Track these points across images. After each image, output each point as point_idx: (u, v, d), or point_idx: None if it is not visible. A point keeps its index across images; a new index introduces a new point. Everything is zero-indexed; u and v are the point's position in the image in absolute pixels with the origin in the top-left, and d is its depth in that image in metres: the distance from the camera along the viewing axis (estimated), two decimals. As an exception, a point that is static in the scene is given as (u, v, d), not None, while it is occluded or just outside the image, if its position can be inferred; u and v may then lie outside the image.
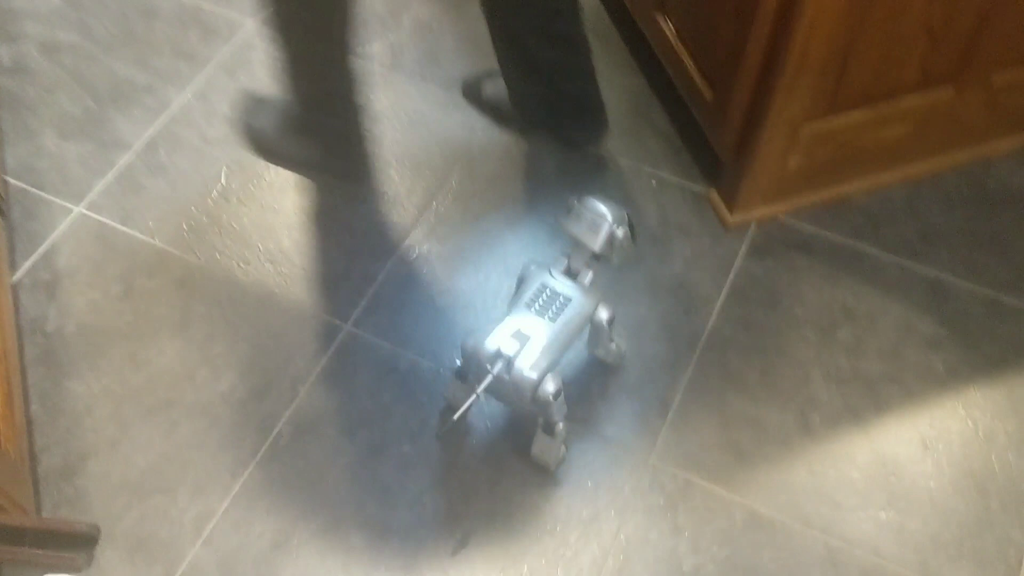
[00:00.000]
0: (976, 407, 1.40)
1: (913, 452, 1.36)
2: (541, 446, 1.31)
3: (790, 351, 1.45)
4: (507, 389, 1.22)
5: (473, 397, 1.19)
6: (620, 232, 1.28)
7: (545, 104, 1.55)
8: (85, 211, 1.59)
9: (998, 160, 1.65)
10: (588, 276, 1.29)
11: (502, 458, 1.35)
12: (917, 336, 1.47)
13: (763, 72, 1.36)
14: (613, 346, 1.40)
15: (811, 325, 1.48)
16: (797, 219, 1.59)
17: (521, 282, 1.31)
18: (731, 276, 1.53)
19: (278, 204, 1.61)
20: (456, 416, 1.17)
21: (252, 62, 1.79)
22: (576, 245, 1.29)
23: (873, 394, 1.41)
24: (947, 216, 1.59)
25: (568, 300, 1.26)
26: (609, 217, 1.27)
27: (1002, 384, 1.42)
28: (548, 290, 1.27)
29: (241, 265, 1.53)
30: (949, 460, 1.35)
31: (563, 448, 1.33)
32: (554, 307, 1.25)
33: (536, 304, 1.26)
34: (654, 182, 1.64)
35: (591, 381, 1.42)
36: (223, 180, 1.63)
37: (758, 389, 1.42)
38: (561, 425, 1.28)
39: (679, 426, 1.38)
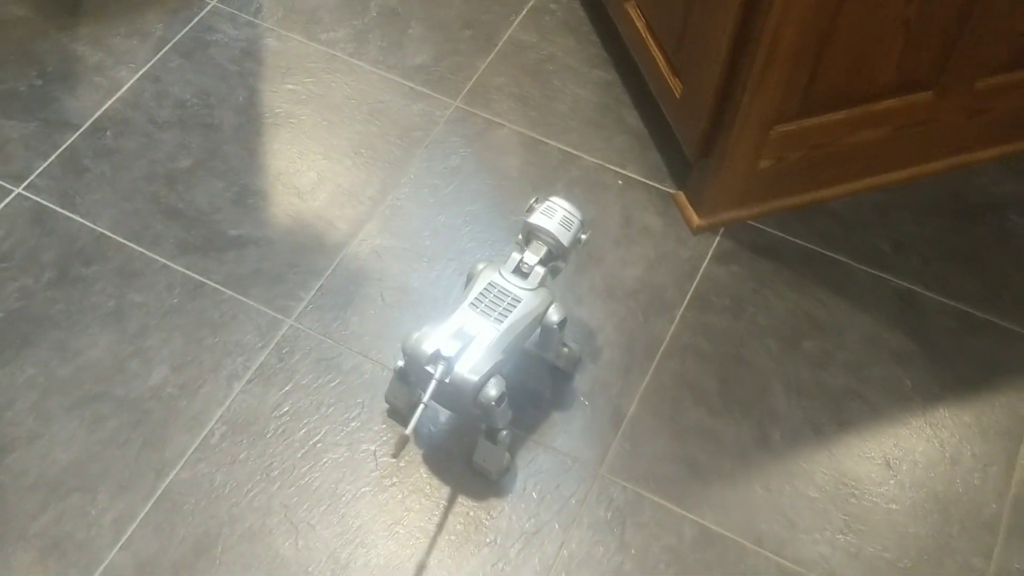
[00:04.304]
0: (943, 427, 1.33)
1: (875, 472, 1.29)
2: (483, 453, 1.24)
3: (752, 361, 1.39)
4: (447, 392, 1.15)
5: (420, 408, 1.11)
6: (584, 236, 1.25)
7: None
8: (24, 192, 1.52)
9: (978, 170, 1.59)
10: (540, 276, 1.22)
11: (443, 465, 1.28)
12: (885, 350, 1.40)
13: (731, 67, 1.30)
14: (565, 350, 1.33)
15: (775, 335, 1.41)
16: (766, 224, 1.53)
17: (469, 280, 1.24)
18: (695, 281, 1.47)
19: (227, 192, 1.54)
20: (408, 431, 1.10)
21: (210, 44, 1.72)
22: (533, 242, 1.23)
23: (836, 409, 1.34)
24: (922, 226, 1.53)
25: (517, 300, 1.20)
26: (579, 215, 1.24)
27: (970, 403, 1.35)
28: (496, 289, 1.20)
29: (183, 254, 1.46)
30: (912, 482, 1.29)
31: (507, 456, 1.26)
32: (501, 307, 1.19)
33: (482, 304, 1.19)
34: (620, 181, 1.57)
35: (542, 386, 1.35)
36: (171, 164, 1.56)
37: (716, 400, 1.35)
38: (504, 432, 1.21)
39: (632, 436, 1.31)
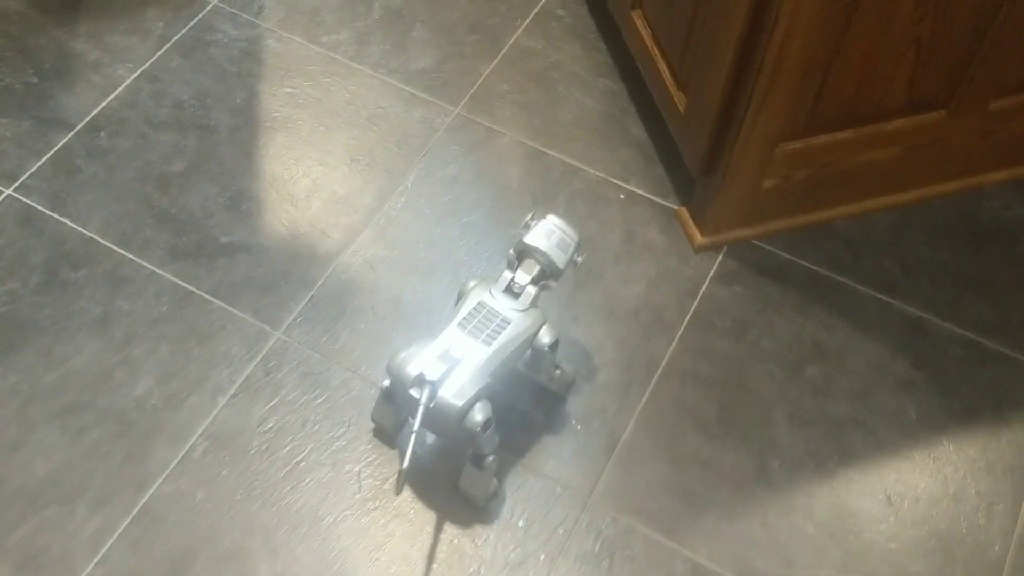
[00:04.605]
0: (947, 461, 1.29)
1: (876, 507, 1.25)
2: (469, 479, 1.20)
3: (753, 387, 1.35)
4: (431, 417, 1.11)
5: (412, 438, 1.08)
6: (579, 259, 1.21)
7: None
8: (14, 194, 1.49)
9: (991, 192, 1.54)
10: (531, 297, 1.18)
11: (428, 489, 1.25)
12: (890, 378, 1.36)
13: (736, 81, 1.25)
14: (558, 372, 1.29)
15: (778, 359, 1.37)
16: (771, 243, 1.48)
17: (459, 299, 1.21)
18: (696, 301, 1.42)
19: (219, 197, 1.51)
20: (405, 466, 1.07)
21: (210, 44, 1.69)
22: (526, 261, 1.19)
23: (838, 440, 1.30)
24: (932, 249, 1.48)
25: (506, 322, 1.16)
26: (576, 237, 1.20)
27: (977, 437, 1.31)
28: (485, 309, 1.17)
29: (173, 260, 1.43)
30: (914, 519, 1.24)
31: (494, 482, 1.22)
32: (490, 329, 1.15)
33: (470, 324, 1.15)
34: (622, 195, 1.53)
35: (533, 408, 1.32)
36: (165, 167, 1.53)
37: (715, 427, 1.31)
38: (491, 458, 1.17)
39: (625, 463, 1.28)
